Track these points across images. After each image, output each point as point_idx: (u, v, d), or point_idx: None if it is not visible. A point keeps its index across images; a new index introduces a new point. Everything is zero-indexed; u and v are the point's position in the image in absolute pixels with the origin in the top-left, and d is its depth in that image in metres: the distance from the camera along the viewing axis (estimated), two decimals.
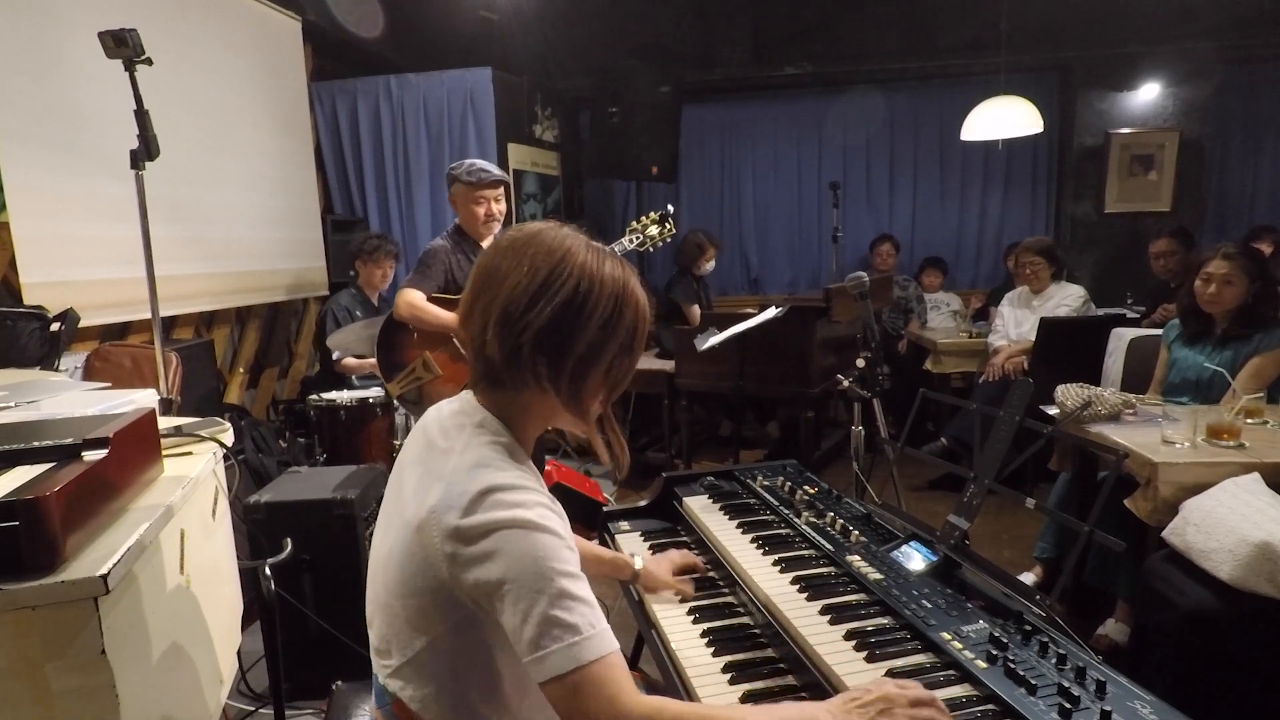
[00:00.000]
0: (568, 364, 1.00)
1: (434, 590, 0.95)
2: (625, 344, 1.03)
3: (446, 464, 0.99)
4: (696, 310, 4.99)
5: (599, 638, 0.91)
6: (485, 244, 3.02)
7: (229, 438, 1.74)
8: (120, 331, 3.47)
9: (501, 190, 3.01)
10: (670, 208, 3.11)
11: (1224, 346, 2.73)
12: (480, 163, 2.99)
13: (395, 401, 3.04)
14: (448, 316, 2.81)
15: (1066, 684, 1.07)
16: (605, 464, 1.11)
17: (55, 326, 2.74)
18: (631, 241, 2.98)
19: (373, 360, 3.11)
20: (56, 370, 2.65)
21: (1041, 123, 4.71)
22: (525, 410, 1.05)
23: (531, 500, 0.95)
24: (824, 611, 1.35)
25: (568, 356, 0.99)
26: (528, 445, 1.07)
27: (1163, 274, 4.37)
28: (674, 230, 3.08)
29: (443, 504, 0.94)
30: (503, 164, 5.13)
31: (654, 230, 3.03)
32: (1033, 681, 1.08)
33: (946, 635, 1.23)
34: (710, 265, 5.21)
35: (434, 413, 1.12)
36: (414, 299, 2.83)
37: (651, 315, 1.08)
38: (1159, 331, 3.13)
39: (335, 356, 3.92)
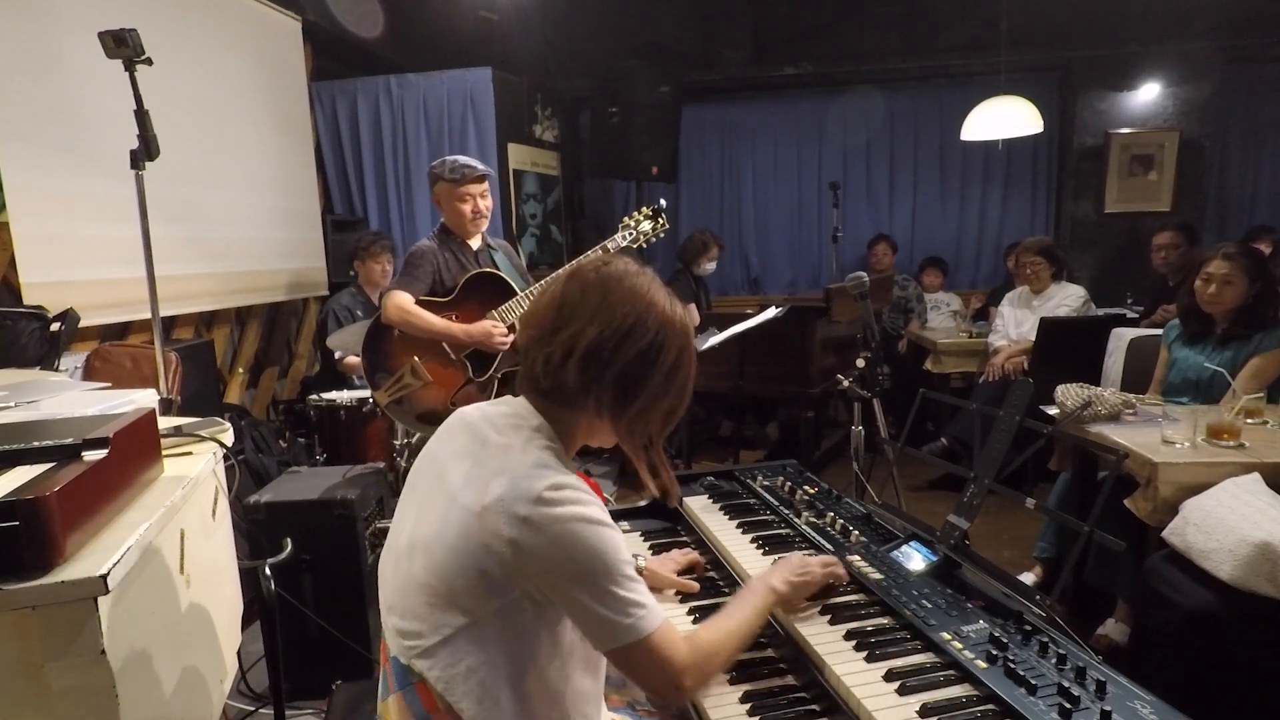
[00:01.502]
0: (637, 401, 1.12)
1: (489, 573, 1.02)
2: (681, 388, 1.17)
3: (507, 458, 1.08)
4: (694, 310, 4.98)
5: (656, 608, 1.09)
6: (473, 241, 2.94)
7: (229, 438, 1.73)
8: (120, 331, 3.47)
9: (486, 185, 2.90)
10: (663, 202, 2.96)
11: (1224, 346, 2.73)
12: (462, 159, 2.88)
13: (383, 411, 2.86)
14: (439, 322, 2.73)
15: (1066, 684, 1.07)
16: (654, 493, 1.22)
17: (55, 326, 2.73)
18: (625, 238, 2.85)
19: None
20: (56, 370, 2.64)
21: (1041, 123, 4.71)
22: (575, 426, 1.17)
23: (592, 500, 1.07)
24: (824, 611, 1.36)
25: (639, 395, 1.12)
26: (570, 456, 1.18)
27: (1162, 268, 4.36)
28: (668, 225, 2.94)
29: (511, 494, 1.02)
30: (503, 164, 5.12)
31: (647, 226, 2.88)
32: (1033, 681, 1.08)
33: (946, 635, 1.23)
34: (711, 265, 5.20)
35: (475, 411, 1.20)
36: (403, 302, 2.73)
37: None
38: (1159, 331, 3.13)
39: (337, 356, 3.91)
